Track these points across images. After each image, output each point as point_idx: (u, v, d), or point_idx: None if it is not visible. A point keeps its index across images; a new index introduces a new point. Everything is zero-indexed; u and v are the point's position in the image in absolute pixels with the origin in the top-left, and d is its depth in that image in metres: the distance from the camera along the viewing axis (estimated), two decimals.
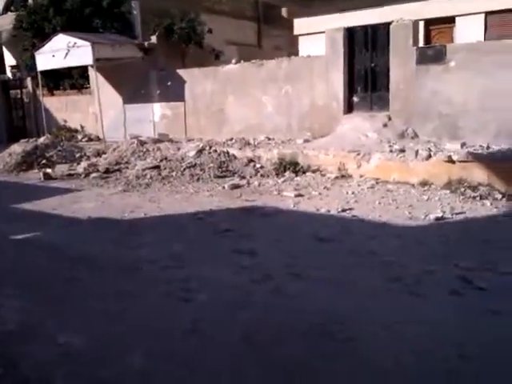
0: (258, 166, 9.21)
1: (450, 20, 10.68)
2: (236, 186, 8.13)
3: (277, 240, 5.38)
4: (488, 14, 10.24)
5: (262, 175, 8.79)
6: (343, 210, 6.38)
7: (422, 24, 10.44)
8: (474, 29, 10.29)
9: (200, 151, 9.71)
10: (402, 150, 8.02)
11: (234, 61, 11.56)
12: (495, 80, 8.04)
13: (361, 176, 8.02)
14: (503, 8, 10.01)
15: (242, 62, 11.30)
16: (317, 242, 5.25)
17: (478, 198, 6.62)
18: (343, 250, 4.96)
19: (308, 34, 12.34)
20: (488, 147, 7.93)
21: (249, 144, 10.35)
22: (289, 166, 8.70)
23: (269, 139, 10.61)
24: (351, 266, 4.51)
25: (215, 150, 9.72)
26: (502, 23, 10.13)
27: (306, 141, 9.86)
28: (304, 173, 8.58)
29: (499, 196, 6.60)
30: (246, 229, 5.86)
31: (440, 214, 5.96)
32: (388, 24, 9.01)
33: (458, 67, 8.33)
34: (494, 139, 8.11)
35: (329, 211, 6.41)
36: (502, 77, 8.00)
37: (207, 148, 9.83)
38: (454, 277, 4.16)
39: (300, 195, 7.30)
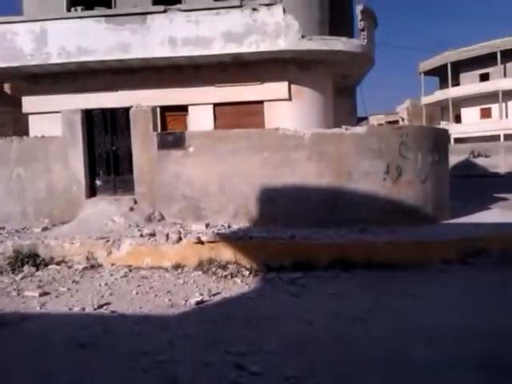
0: None
1: (183, 108, 11.51)
2: None
3: (26, 356, 4.50)
4: (216, 105, 11.45)
5: None
6: (100, 306, 5.84)
7: (158, 110, 10.93)
8: (205, 117, 11.33)
9: None
10: (153, 234, 7.99)
11: None
12: (229, 165, 8.91)
13: (112, 264, 7.59)
14: (228, 101, 11.35)
15: None
16: (78, 349, 4.59)
17: (229, 277, 6.96)
18: (110, 356, 4.45)
19: (40, 113, 11.52)
20: (229, 226, 8.59)
21: None
22: (27, 260, 7.63)
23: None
24: (124, 375, 4.06)
25: None
26: (227, 114, 11.44)
27: (45, 229, 8.93)
28: (46, 266, 7.64)
29: (247, 273, 7.09)
30: None
31: (199, 298, 6.02)
32: (127, 108, 9.12)
33: (197, 152, 8.95)
34: (233, 219, 8.85)
35: (84, 309, 5.77)
36: (233, 162, 8.91)
37: None
38: (229, 365, 4.15)
39: (46, 293, 6.40)
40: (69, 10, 12.06)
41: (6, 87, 12.79)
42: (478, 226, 8.70)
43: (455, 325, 4.94)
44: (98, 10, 11.54)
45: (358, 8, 12.07)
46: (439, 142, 9.63)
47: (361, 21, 12.06)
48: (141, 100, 10.19)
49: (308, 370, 4.02)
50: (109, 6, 12.05)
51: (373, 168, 8.78)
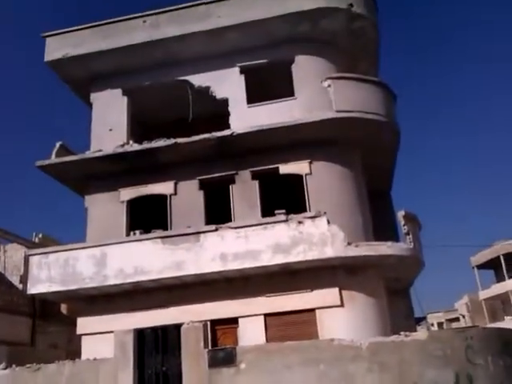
0: None
1: (233, 321, 11.39)
2: None
3: None
4: (266, 315, 11.30)
5: None
6: None
7: (208, 324, 10.86)
8: (256, 329, 11.09)
9: None
10: None
11: (2, 366, 9.93)
12: (283, 381, 8.34)
13: None
14: (279, 311, 11.23)
15: (14, 366, 9.78)
16: None
17: None
18: None
19: (94, 333, 11.64)
20: None
21: None
22: None
23: None
24: None
25: None
26: (278, 324, 11.19)
27: None
28: None
29: None
30: None
31: None
32: (179, 326, 9.10)
33: (249, 369, 8.55)
34: None
35: None
36: (288, 378, 8.37)
37: None
38: None
39: None
40: (128, 234, 13.06)
41: (63, 308, 13.25)
42: None
43: None
44: (155, 233, 12.42)
45: (400, 214, 12.53)
46: (508, 343, 8.88)
47: (404, 225, 12.40)
48: (192, 314, 10.23)
49: None
50: (165, 228, 13.00)
51: (441, 377, 8.04)
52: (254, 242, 11.74)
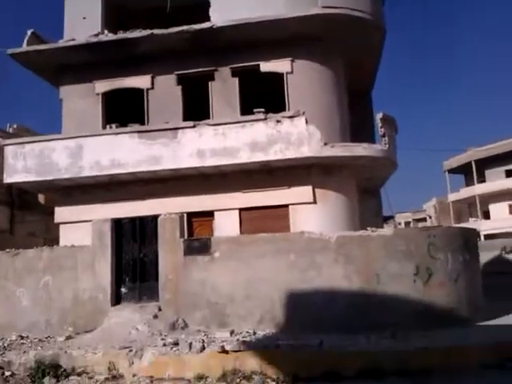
0: (7, 373, 7.66)
1: (209, 214, 11.76)
2: None
3: None
4: (242, 209, 11.68)
5: None
6: None
7: (185, 216, 11.19)
8: (231, 222, 11.50)
9: None
10: (176, 343, 7.78)
11: None
12: (255, 270, 8.85)
13: (134, 375, 7.34)
14: (253, 206, 11.59)
15: None
16: None
17: None
18: None
19: (71, 222, 11.92)
20: (254, 333, 8.33)
21: None
22: (48, 371, 7.47)
23: (22, 338, 9.16)
24: None
25: None
26: (253, 218, 11.59)
27: (69, 337, 8.83)
28: (67, 377, 7.45)
29: None
30: None
31: None
32: (156, 217, 9.36)
33: (223, 258, 8.98)
34: (259, 325, 8.61)
35: None
36: (259, 266, 8.86)
37: None
38: None
39: None
40: (104, 127, 12.95)
41: (40, 198, 13.40)
42: None
43: None
44: (131, 127, 12.32)
45: (378, 116, 12.58)
46: (469, 241, 9.45)
47: (381, 127, 12.49)
48: (169, 207, 10.49)
49: None
50: (142, 123, 12.88)
51: (402, 270, 8.58)
52: (231, 139, 11.77)
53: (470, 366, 6.75)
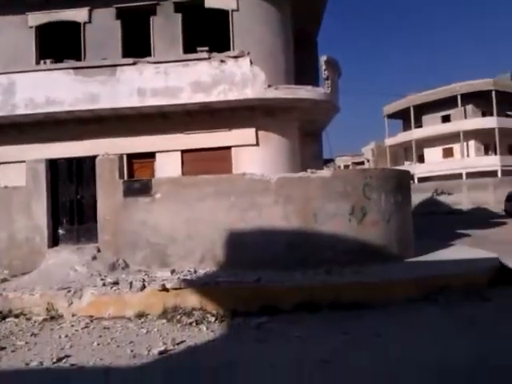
0: None
1: (150, 155, 11.57)
2: None
3: None
4: (184, 151, 11.56)
5: None
6: (59, 360, 5.59)
7: (125, 158, 10.96)
8: (173, 164, 11.40)
9: None
10: (116, 283, 7.80)
11: None
12: (196, 210, 8.89)
13: (73, 315, 7.33)
14: (195, 147, 11.50)
15: None
16: None
17: (194, 324, 6.79)
18: None
19: (5, 162, 11.42)
20: (195, 271, 8.48)
21: None
22: None
23: None
24: None
25: None
26: (195, 160, 11.54)
27: (4, 280, 8.65)
28: (4, 319, 7.33)
29: (213, 319, 6.93)
30: None
31: (163, 348, 5.83)
32: (94, 157, 9.12)
33: (164, 199, 8.93)
34: (200, 264, 8.76)
35: (42, 363, 5.52)
36: (200, 207, 8.91)
37: None
38: None
39: (1, 348, 6.12)
40: (38, 63, 12.20)
41: None
42: (441, 263, 8.81)
43: (427, 363, 4.90)
44: (67, 63, 11.69)
45: (322, 58, 12.55)
46: (402, 182, 9.85)
47: (325, 70, 12.51)
48: (108, 148, 10.21)
49: None
50: (78, 59, 12.23)
51: (338, 210, 8.88)
52: (173, 78, 11.45)
53: (398, 299, 7.24)
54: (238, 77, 11.43)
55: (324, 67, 12.58)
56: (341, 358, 5.19)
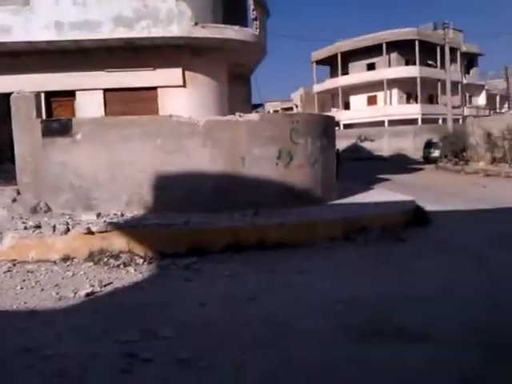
0: None
1: (70, 93, 10.97)
2: None
3: None
4: (106, 90, 11.05)
5: None
6: None
7: (42, 96, 10.31)
8: (94, 103, 10.90)
9: None
10: (38, 226, 7.55)
11: None
12: (120, 152, 8.65)
13: None
14: (119, 87, 11.01)
15: None
16: None
17: (121, 266, 6.79)
18: None
19: None
20: (122, 215, 8.38)
21: None
22: None
23: None
24: (6, 373, 3.83)
25: None
26: (118, 100, 11.09)
27: None
28: None
29: (140, 261, 6.97)
30: None
31: (89, 290, 5.82)
32: (8, 95, 8.51)
33: (86, 140, 8.57)
34: (127, 207, 8.64)
35: None
36: (125, 149, 8.67)
37: None
38: (119, 355, 4.07)
39: None
40: None
41: None
42: (361, 205, 9.34)
43: (341, 296, 5.28)
44: None
45: None
46: (327, 128, 10.12)
47: (253, 10, 12.28)
48: (24, 85, 9.56)
49: (202, 352, 4.06)
50: None
51: (266, 153, 9.01)
52: (93, 11, 10.77)
53: (321, 239, 7.64)
54: (163, 13, 10.95)
55: (252, 7, 12.34)
56: (265, 295, 5.46)
